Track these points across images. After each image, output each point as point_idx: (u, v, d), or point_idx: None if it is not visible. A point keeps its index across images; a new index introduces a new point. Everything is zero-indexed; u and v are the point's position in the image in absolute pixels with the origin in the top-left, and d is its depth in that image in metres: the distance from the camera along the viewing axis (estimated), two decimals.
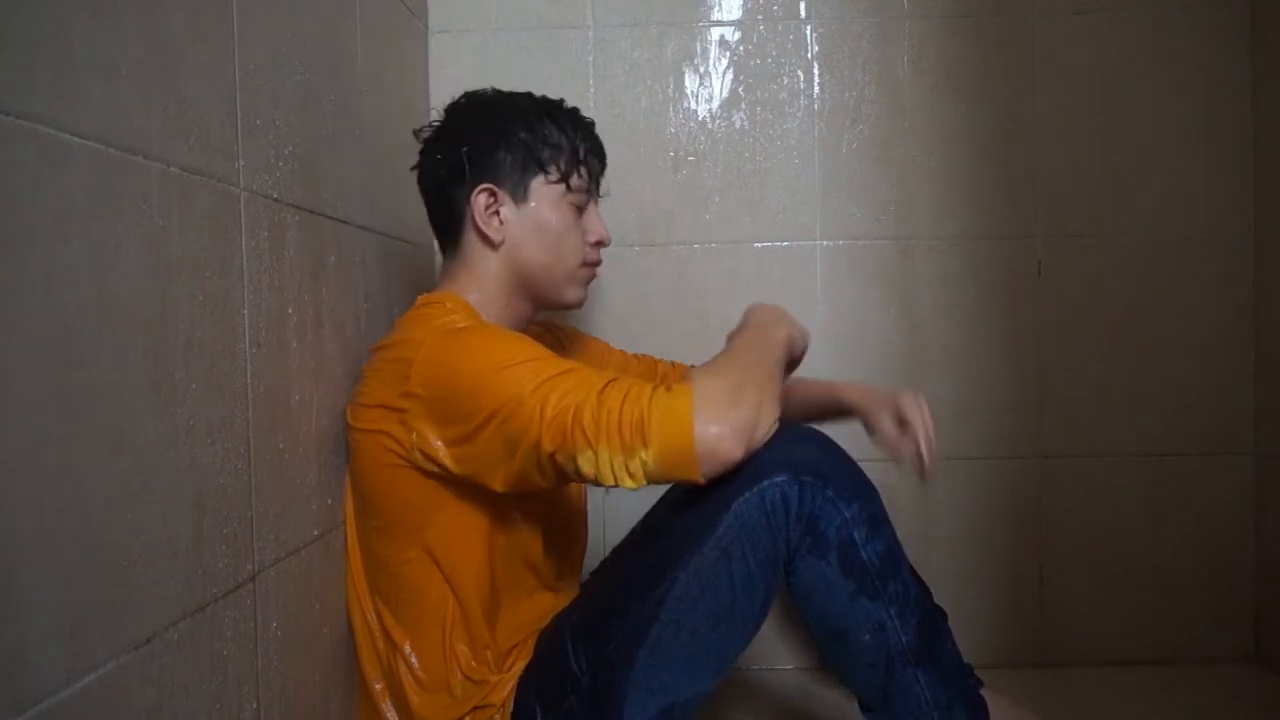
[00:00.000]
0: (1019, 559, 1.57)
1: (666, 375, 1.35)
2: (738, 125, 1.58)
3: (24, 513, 0.58)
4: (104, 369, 0.66)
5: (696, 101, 1.58)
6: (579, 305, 1.20)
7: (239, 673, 0.85)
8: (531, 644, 1.09)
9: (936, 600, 1.12)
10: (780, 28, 1.57)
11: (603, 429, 0.90)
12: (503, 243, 1.11)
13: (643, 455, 0.90)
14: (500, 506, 1.05)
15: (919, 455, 1.06)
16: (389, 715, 1.07)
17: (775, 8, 1.57)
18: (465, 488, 1.02)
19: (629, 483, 0.92)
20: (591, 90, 1.57)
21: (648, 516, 1.32)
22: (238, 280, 0.86)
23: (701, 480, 0.92)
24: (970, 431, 1.57)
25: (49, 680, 0.60)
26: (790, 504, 0.94)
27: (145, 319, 0.71)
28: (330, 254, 1.09)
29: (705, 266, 1.57)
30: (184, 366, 0.76)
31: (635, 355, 1.38)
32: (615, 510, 1.54)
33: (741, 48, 1.58)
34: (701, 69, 1.58)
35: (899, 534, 1.01)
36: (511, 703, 1.04)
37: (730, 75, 1.58)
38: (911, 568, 1.04)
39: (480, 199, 1.10)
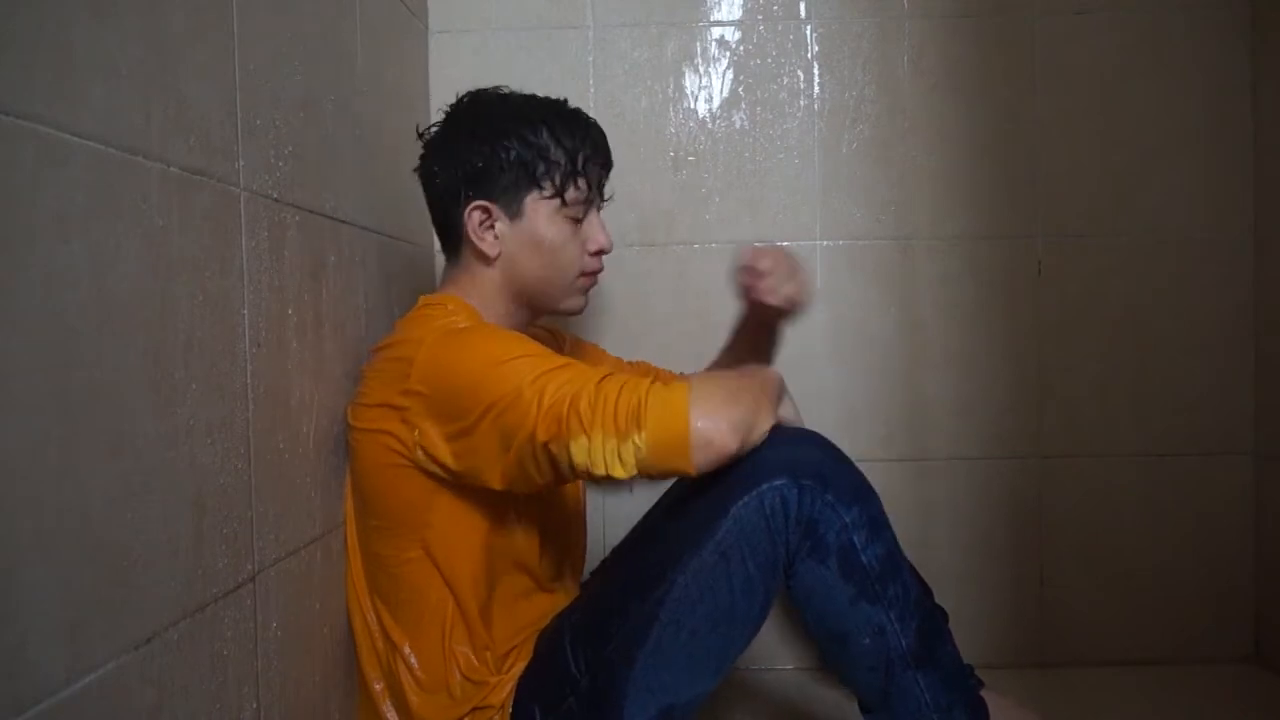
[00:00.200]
0: (1019, 559, 1.57)
1: (661, 377, 1.35)
2: (738, 125, 1.58)
3: (24, 513, 0.58)
4: (104, 369, 0.66)
5: (696, 101, 1.58)
6: (579, 312, 1.19)
7: (239, 673, 0.85)
8: (531, 645, 1.09)
9: (937, 600, 1.13)
10: (780, 28, 1.57)
11: (598, 414, 0.91)
12: (498, 257, 1.11)
13: (636, 440, 0.90)
14: (498, 508, 1.05)
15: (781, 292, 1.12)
16: (389, 715, 1.07)
17: (775, 8, 1.57)
18: (465, 489, 1.02)
19: (619, 470, 0.91)
20: (591, 90, 1.57)
21: (647, 517, 1.32)
22: (238, 280, 0.86)
23: (693, 471, 0.92)
24: (970, 431, 1.57)
25: (49, 680, 0.60)
26: (790, 507, 0.94)
27: (145, 319, 0.71)
28: (330, 254, 1.09)
29: (705, 266, 1.57)
30: (184, 366, 0.76)
31: (631, 363, 1.38)
32: (615, 511, 1.54)
33: (741, 48, 1.58)
34: (701, 69, 1.58)
35: (899, 534, 1.01)
36: (511, 703, 1.04)
37: (730, 75, 1.58)
38: (913, 568, 1.04)
39: (474, 215, 1.09)
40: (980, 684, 1.08)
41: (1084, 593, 1.57)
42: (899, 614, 0.97)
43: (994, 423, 1.57)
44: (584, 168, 1.11)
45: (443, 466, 0.99)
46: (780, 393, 1.04)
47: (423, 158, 1.16)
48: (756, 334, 1.28)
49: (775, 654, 1.57)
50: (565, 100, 1.15)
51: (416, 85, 1.50)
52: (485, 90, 1.15)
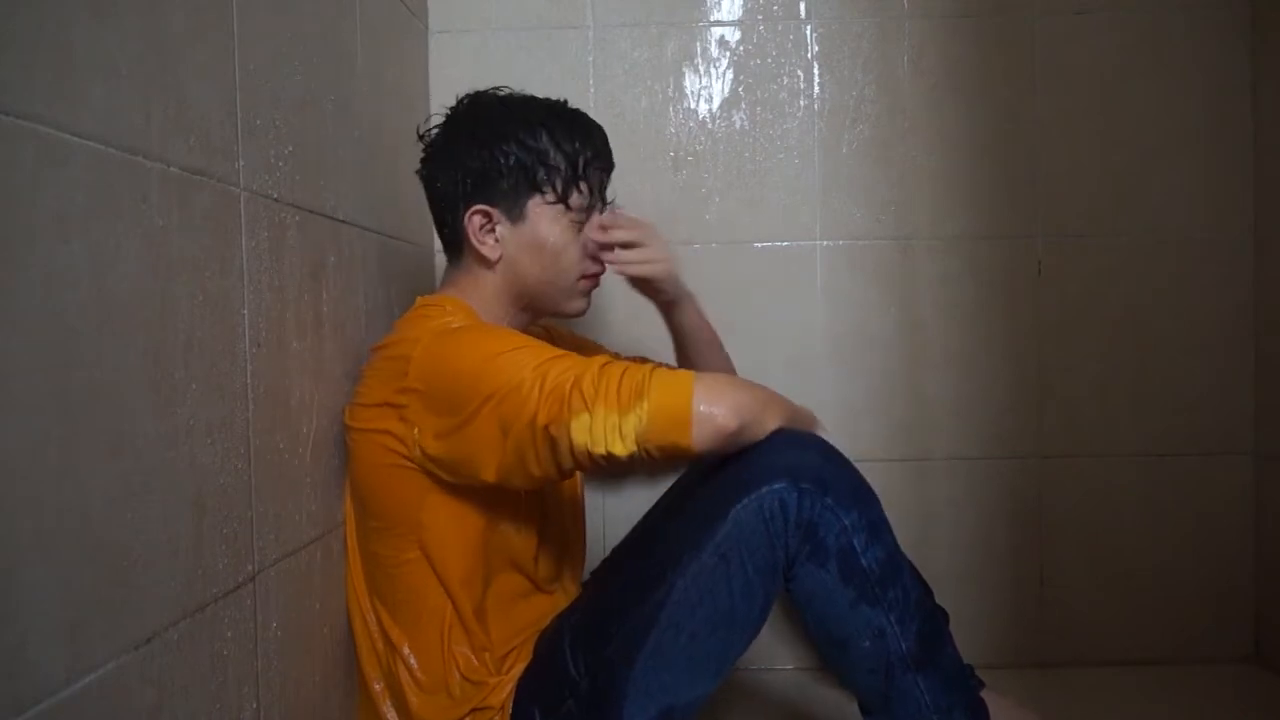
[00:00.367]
0: (1019, 559, 1.57)
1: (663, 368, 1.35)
2: (738, 125, 1.58)
3: (24, 513, 0.58)
4: (104, 369, 0.66)
5: (696, 101, 1.58)
6: (581, 314, 1.20)
7: (239, 673, 0.85)
8: (531, 646, 1.09)
9: (937, 601, 1.12)
10: (780, 28, 1.57)
11: (601, 392, 0.92)
12: (499, 260, 1.11)
13: (638, 412, 0.91)
14: (493, 509, 1.05)
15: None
16: (389, 716, 1.07)
17: (775, 8, 1.57)
18: (459, 489, 1.02)
19: (619, 446, 0.92)
20: (591, 90, 1.57)
21: (647, 518, 1.32)
22: (238, 280, 0.86)
23: (693, 447, 0.92)
24: (970, 431, 1.57)
25: (49, 680, 0.60)
26: (789, 511, 0.94)
27: (145, 319, 0.71)
28: (330, 254, 1.09)
29: (705, 266, 1.57)
30: (184, 366, 0.76)
31: (631, 357, 1.38)
32: (615, 511, 1.54)
33: (741, 48, 1.58)
34: (701, 69, 1.58)
35: (899, 534, 1.01)
36: (510, 704, 1.04)
37: (730, 75, 1.58)
38: (914, 569, 1.04)
39: (475, 220, 1.10)
40: (981, 684, 1.08)
41: (1084, 593, 1.57)
42: (899, 617, 0.97)
43: (994, 423, 1.57)
44: (585, 171, 1.12)
45: (437, 461, 0.99)
46: (795, 411, 1.04)
47: (423, 160, 1.16)
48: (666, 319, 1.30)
49: (775, 654, 1.57)
50: (565, 101, 1.15)
51: (416, 85, 1.50)
52: (485, 92, 1.15)
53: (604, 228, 1.14)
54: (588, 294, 1.18)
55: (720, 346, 1.31)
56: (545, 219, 1.11)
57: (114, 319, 0.67)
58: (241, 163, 0.88)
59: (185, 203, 0.77)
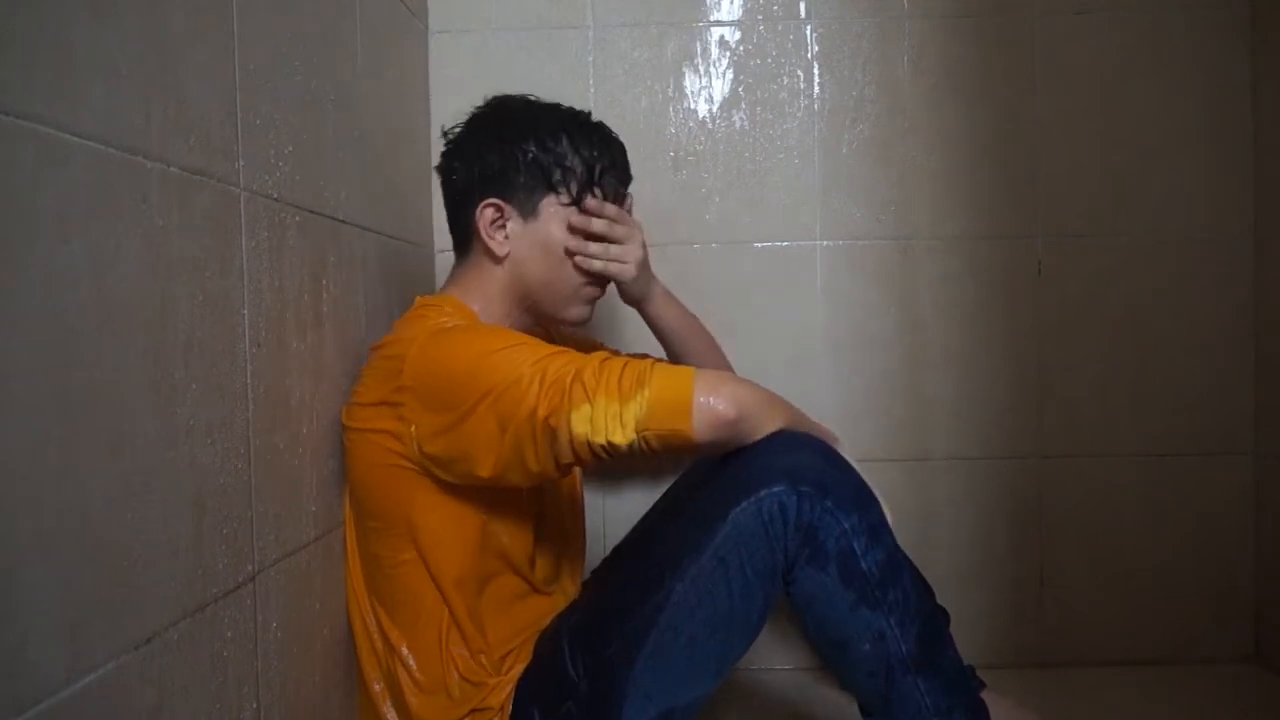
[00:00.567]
0: (1019, 559, 1.57)
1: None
2: (738, 125, 1.58)
3: (24, 513, 0.58)
4: (104, 369, 0.66)
5: (696, 101, 1.58)
6: (582, 323, 1.20)
7: (239, 673, 0.85)
8: (530, 647, 1.09)
9: (937, 601, 1.12)
10: (780, 28, 1.57)
11: (602, 382, 0.92)
12: (506, 256, 1.11)
13: (639, 399, 0.91)
14: (490, 510, 1.05)
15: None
16: (389, 716, 1.07)
17: (775, 8, 1.57)
18: (455, 488, 1.02)
19: (619, 435, 0.92)
20: (591, 90, 1.57)
21: (646, 519, 1.32)
22: (238, 280, 0.86)
23: (693, 435, 0.92)
24: (970, 431, 1.57)
25: (49, 680, 0.60)
26: (789, 514, 0.93)
27: (145, 319, 0.71)
28: (330, 254, 1.09)
29: (705, 266, 1.57)
30: (184, 366, 0.76)
31: (631, 354, 1.38)
32: (615, 511, 1.54)
33: (741, 48, 1.58)
34: (701, 69, 1.58)
35: (898, 534, 1.01)
36: (510, 705, 1.04)
37: (730, 75, 1.58)
38: (915, 570, 1.04)
39: (487, 213, 1.10)
40: (982, 685, 1.08)
41: (1084, 593, 1.57)
42: (899, 619, 0.97)
43: (994, 423, 1.57)
44: (600, 179, 1.13)
45: (435, 459, 0.99)
46: (811, 426, 1.04)
47: (444, 154, 1.17)
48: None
49: (774, 655, 1.57)
50: (589, 113, 1.17)
51: (416, 85, 1.50)
52: (511, 95, 1.17)
53: (587, 212, 1.13)
54: (591, 302, 1.18)
55: (713, 343, 1.32)
56: (557, 220, 1.11)
57: (114, 319, 0.67)
58: (241, 162, 0.88)
59: (185, 203, 0.77)
